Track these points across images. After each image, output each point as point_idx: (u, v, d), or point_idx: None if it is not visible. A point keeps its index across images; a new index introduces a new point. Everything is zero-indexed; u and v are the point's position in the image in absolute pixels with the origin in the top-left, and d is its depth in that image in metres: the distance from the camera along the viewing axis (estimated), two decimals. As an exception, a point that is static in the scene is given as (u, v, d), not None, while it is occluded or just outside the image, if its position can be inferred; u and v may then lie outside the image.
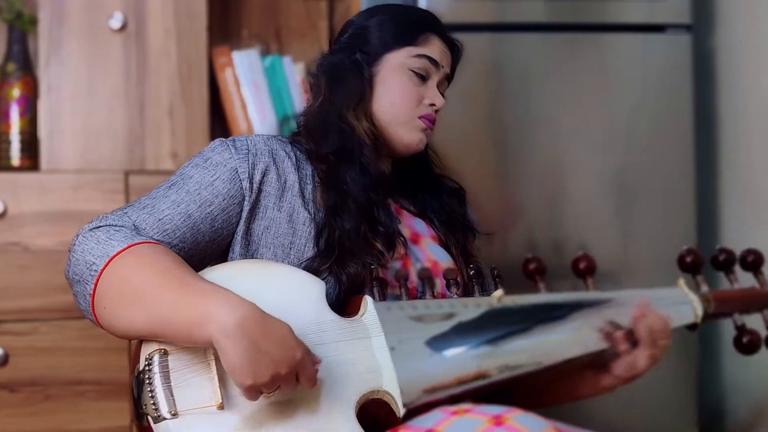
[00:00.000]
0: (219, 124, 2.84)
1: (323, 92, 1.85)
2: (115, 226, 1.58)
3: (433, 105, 1.84)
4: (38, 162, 2.64)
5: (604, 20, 2.69)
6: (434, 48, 1.85)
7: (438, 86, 1.87)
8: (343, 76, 1.84)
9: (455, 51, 1.92)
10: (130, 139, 2.65)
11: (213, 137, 2.66)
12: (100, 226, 1.58)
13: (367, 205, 1.74)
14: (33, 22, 2.67)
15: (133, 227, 1.60)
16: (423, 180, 1.97)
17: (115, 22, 2.64)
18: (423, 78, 1.84)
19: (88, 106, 2.64)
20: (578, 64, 2.66)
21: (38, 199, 2.52)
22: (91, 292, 1.53)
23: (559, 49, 2.66)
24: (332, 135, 1.79)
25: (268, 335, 1.43)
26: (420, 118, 1.83)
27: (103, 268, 1.52)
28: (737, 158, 2.80)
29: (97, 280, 1.52)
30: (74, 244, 1.57)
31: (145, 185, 2.39)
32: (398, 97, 1.83)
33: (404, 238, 1.80)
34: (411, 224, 1.89)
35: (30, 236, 2.51)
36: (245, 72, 2.86)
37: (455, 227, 1.92)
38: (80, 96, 2.64)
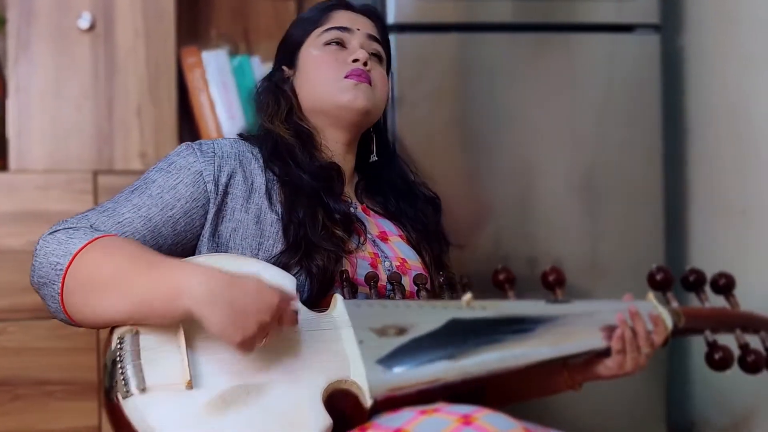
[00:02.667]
0: (187, 124, 2.84)
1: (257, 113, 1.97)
2: (74, 227, 1.61)
3: (356, 60, 1.88)
4: (7, 162, 2.63)
5: (573, 20, 2.69)
6: (339, 19, 1.93)
7: (364, 47, 1.92)
8: (262, 96, 1.96)
9: (374, 18, 1.99)
10: (98, 139, 2.65)
11: (181, 137, 2.68)
12: (58, 230, 1.61)
13: (314, 193, 1.79)
14: (1, 22, 2.66)
15: (90, 227, 1.62)
16: (398, 186, 2.01)
17: (84, 22, 2.63)
18: (341, 45, 1.91)
19: (56, 106, 2.64)
20: (546, 64, 2.66)
21: (6, 199, 2.52)
22: (59, 291, 1.55)
23: (527, 49, 2.66)
24: (262, 142, 1.87)
25: (241, 292, 1.47)
26: (346, 77, 1.87)
27: (68, 266, 1.54)
28: (705, 158, 2.81)
29: (64, 278, 1.54)
30: (36, 250, 1.60)
31: (114, 185, 2.38)
32: (315, 69, 1.90)
33: (364, 224, 1.85)
34: (379, 223, 1.93)
35: (-2, 236, 2.50)
36: (214, 72, 2.86)
37: (430, 237, 1.96)
38: (49, 96, 2.64)
